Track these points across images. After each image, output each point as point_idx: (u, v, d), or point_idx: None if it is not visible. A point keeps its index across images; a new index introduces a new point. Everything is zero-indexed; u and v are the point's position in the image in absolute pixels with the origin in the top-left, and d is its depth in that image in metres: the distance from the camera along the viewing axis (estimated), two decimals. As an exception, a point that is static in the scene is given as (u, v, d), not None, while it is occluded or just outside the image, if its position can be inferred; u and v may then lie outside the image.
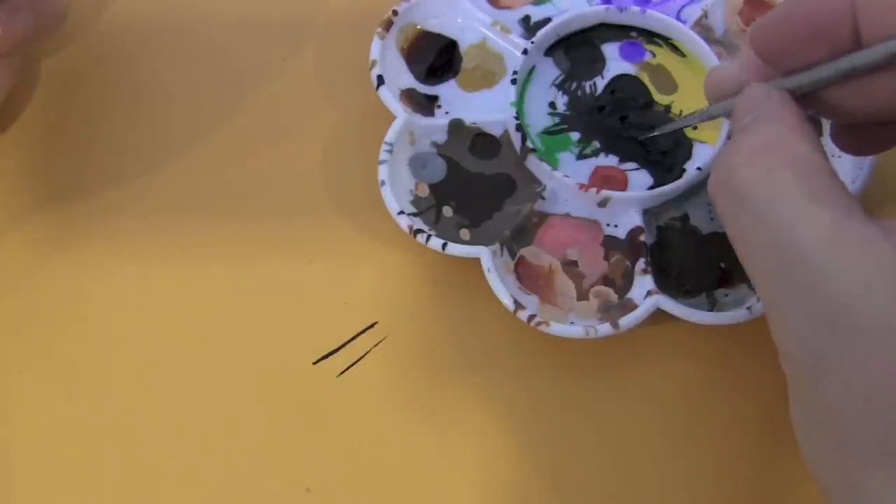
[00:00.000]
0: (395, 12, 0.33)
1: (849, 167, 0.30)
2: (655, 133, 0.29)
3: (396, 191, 0.29)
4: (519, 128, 0.31)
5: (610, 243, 0.30)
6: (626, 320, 0.27)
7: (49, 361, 0.29)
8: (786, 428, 0.28)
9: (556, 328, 0.27)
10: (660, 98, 0.32)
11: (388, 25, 0.32)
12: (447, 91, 0.33)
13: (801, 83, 0.22)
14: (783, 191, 0.20)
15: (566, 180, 0.30)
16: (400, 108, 0.31)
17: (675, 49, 0.33)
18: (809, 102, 0.23)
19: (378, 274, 0.30)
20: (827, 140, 0.27)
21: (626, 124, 0.32)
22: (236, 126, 0.33)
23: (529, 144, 0.30)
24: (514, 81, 0.32)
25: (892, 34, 0.20)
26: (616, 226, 0.30)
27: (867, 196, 0.29)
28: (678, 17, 0.33)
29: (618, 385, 0.29)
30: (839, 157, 0.30)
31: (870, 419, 0.18)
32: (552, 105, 0.32)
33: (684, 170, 0.31)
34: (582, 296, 0.29)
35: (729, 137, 0.29)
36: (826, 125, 0.30)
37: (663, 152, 0.31)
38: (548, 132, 0.32)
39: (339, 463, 0.28)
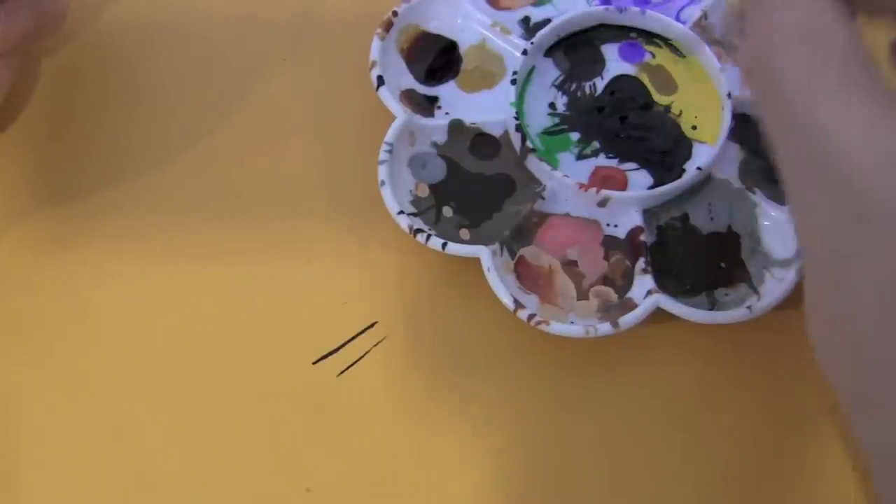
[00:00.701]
0: (395, 13, 0.33)
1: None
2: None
3: (396, 191, 0.29)
4: (519, 128, 0.31)
5: (610, 243, 0.30)
6: (626, 320, 0.27)
7: (49, 361, 0.29)
8: (786, 427, 0.28)
9: (556, 328, 0.27)
10: (659, 98, 0.32)
11: (388, 26, 0.33)
12: (447, 92, 0.33)
13: None
14: (818, 75, 0.19)
15: (566, 180, 0.30)
16: (400, 109, 0.31)
17: (674, 50, 0.33)
18: None
19: (378, 274, 0.30)
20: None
21: (626, 125, 0.32)
22: (236, 126, 0.33)
23: (529, 144, 0.31)
24: (513, 82, 0.32)
25: None
26: (616, 226, 0.30)
27: None
28: (678, 18, 0.33)
29: (618, 384, 0.29)
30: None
31: (891, 308, 0.18)
32: (552, 105, 0.32)
33: (684, 170, 0.31)
34: (582, 295, 0.29)
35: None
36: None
37: (663, 152, 0.31)
38: (548, 132, 0.32)
39: (339, 463, 0.27)
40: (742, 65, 0.21)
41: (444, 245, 0.28)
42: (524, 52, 0.32)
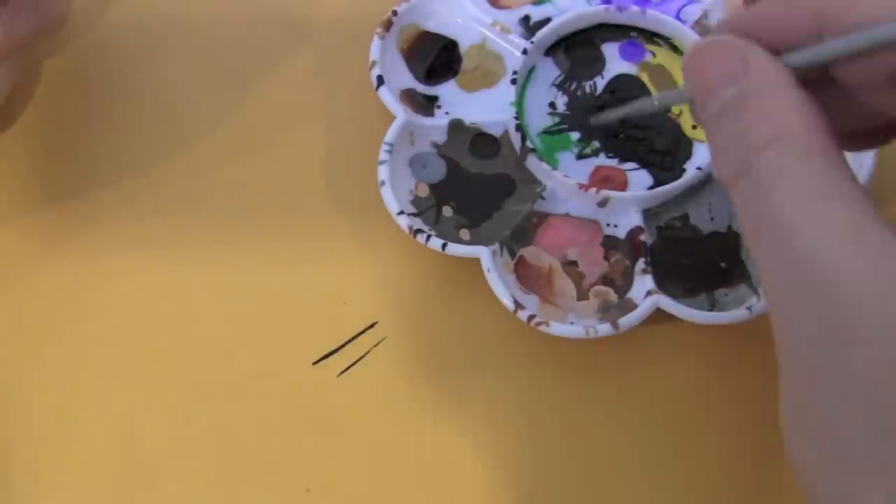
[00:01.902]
0: (394, 12, 0.33)
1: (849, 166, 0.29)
2: (605, 120, 0.29)
3: (396, 191, 0.29)
4: (519, 128, 0.31)
5: (610, 243, 0.30)
6: (626, 320, 0.27)
7: (49, 360, 0.29)
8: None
9: (556, 328, 0.27)
10: (660, 98, 0.32)
11: (388, 26, 0.33)
12: (447, 91, 0.33)
13: (800, 59, 0.20)
14: (795, 188, 0.18)
15: (566, 180, 0.30)
16: (400, 109, 0.31)
17: (675, 49, 0.33)
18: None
19: (378, 274, 0.30)
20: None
21: (626, 124, 0.32)
22: (236, 126, 0.33)
23: (529, 144, 0.31)
24: (513, 81, 0.32)
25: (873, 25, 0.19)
26: (616, 226, 0.30)
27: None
28: (678, 17, 0.33)
29: (617, 385, 0.29)
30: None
31: (870, 431, 0.17)
32: (552, 105, 0.32)
33: (684, 170, 0.31)
34: (582, 296, 0.29)
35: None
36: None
37: (663, 152, 0.31)
38: (548, 132, 0.32)
39: (339, 463, 0.28)
40: (721, 179, 0.20)
41: (444, 245, 0.28)
42: (524, 52, 0.32)
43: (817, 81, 0.20)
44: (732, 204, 0.20)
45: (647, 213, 0.30)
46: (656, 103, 0.24)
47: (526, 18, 0.34)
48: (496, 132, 0.31)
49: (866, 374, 0.17)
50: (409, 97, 0.32)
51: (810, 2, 0.20)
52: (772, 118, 0.19)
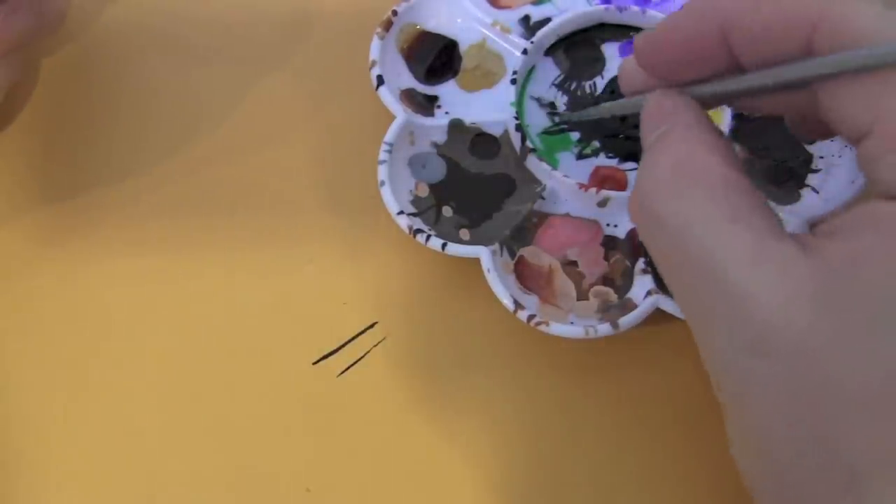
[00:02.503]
0: (394, 12, 0.33)
1: (848, 166, 0.30)
2: (570, 117, 0.30)
3: (396, 191, 0.29)
4: (519, 128, 0.31)
5: (610, 243, 0.30)
6: (626, 320, 0.27)
7: (47, 359, 0.29)
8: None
9: (556, 328, 0.27)
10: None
11: (387, 25, 0.32)
12: (447, 91, 0.33)
13: (703, 94, 0.21)
14: (698, 214, 0.19)
15: (566, 180, 0.30)
16: (400, 109, 0.31)
17: (674, 49, 0.33)
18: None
19: (378, 274, 0.30)
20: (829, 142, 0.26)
21: (626, 124, 0.32)
22: (236, 125, 0.33)
23: (529, 144, 0.31)
24: (513, 81, 0.32)
25: (780, 59, 0.20)
26: (616, 226, 0.30)
27: (866, 196, 0.29)
28: (678, 17, 0.33)
29: (617, 385, 0.29)
30: (839, 157, 0.30)
31: (795, 445, 0.18)
32: (552, 105, 0.32)
33: (684, 170, 0.31)
34: (582, 296, 0.29)
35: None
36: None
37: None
38: (548, 132, 0.32)
39: (339, 463, 0.28)
40: (630, 209, 0.22)
41: (443, 245, 0.28)
42: (524, 52, 0.32)
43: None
44: (640, 238, 0.22)
45: (647, 214, 0.30)
46: (608, 113, 0.26)
47: (526, 18, 0.34)
48: (496, 132, 0.31)
49: (777, 390, 0.18)
50: (409, 97, 0.32)
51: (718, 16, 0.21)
52: (673, 151, 0.20)
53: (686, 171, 0.20)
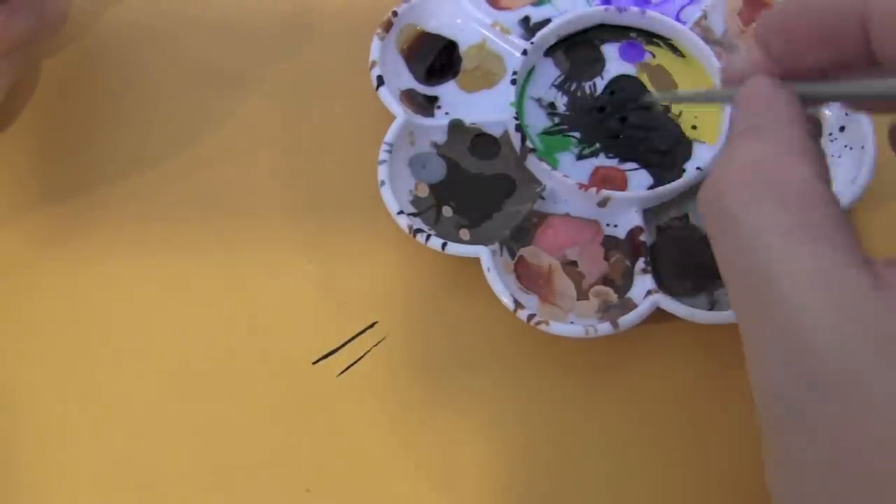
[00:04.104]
0: (394, 13, 0.33)
1: (849, 166, 0.30)
2: (655, 100, 0.29)
3: (396, 191, 0.29)
4: (519, 128, 0.31)
5: (610, 243, 0.30)
6: (626, 320, 0.27)
7: (47, 359, 0.29)
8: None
9: (556, 327, 0.27)
10: (659, 98, 0.32)
11: (387, 26, 0.33)
12: (447, 91, 0.33)
13: (813, 92, 0.20)
14: (768, 223, 0.18)
15: (566, 180, 0.30)
16: (400, 109, 0.31)
17: (674, 50, 0.33)
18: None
19: (378, 274, 0.30)
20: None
21: (626, 125, 0.32)
22: (236, 125, 0.33)
23: (529, 144, 0.31)
24: (513, 82, 0.32)
25: None
26: (616, 226, 0.30)
27: (867, 195, 0.29)
28: (678, 18, 0.33)
29: (617, 384, 0.29)
30: (839, 157, 0.30)
31: (837, 484, 0.16)
32: (552, 105, 0.32)
33: (684, 170, 0.31)
34: (582, 295, 0.29)
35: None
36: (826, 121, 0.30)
37: (663, 152, 0.31)
38: (548, 132, 0.32)
39: (339, 463, 0.27)
40: (700, 198, 0.20)
41: (443, 245, 0.28)
42: (524, 52, 0.32)
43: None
44: (707, 232, 0.20)
45: (647, 213, 0.30)
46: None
47: (526, 19, 0.34)
48: (496, 132, 0.31)
49: (826, 426, 0.16)
50: (409, 97, 0.32)
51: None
52: (758, 149, 0.19)
53: (765, 174, 0.18)
